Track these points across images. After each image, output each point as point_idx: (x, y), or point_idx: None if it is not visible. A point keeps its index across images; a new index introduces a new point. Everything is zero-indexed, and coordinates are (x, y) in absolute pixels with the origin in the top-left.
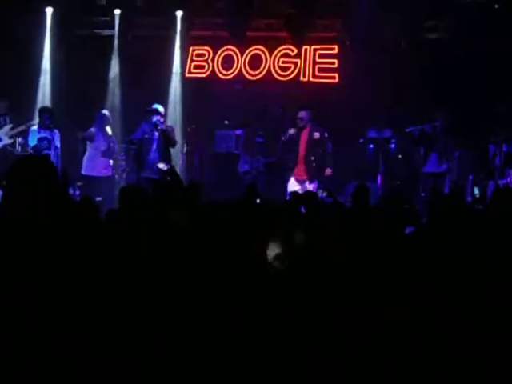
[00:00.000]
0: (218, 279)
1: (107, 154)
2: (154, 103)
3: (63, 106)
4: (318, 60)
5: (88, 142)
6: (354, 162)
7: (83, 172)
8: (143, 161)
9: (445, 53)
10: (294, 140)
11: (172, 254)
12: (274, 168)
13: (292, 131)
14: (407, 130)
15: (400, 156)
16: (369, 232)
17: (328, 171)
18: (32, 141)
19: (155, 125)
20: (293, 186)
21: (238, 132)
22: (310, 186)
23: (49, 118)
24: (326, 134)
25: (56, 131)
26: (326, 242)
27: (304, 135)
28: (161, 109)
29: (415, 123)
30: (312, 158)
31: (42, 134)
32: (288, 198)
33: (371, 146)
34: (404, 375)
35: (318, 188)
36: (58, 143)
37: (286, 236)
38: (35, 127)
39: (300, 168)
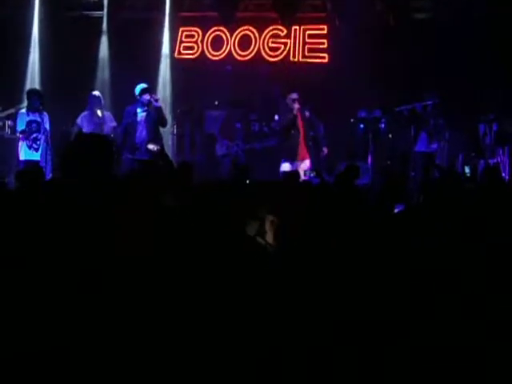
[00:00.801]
0: (210, 261)
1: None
2: (136, 86)
3: (52, 88)
4: (307, 40)
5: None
6: (344, 141)
7: None
8: (132, 144)
9: (434, 32)
10: (295, 122)
11: (166, 236)
12: (255, 154)
13: (277, 117)
14: (397, 109)
15: (390, 136)
16: (355, 212)
17: (325, 150)
18: (21, 125)
19: (149, 103)
20: (289, 167)
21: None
22: (305, 164)
23: (38, 100)
24: (310, 115)
25: (45, 113)
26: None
27: (299, 116)
28: (145, 85)
29: (405, 103)
30: (309, 136)
31: (31, 117)
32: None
33: (361, 125)
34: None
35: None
36: (47, 126)
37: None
38: (24, 110)
39: (303, 149)
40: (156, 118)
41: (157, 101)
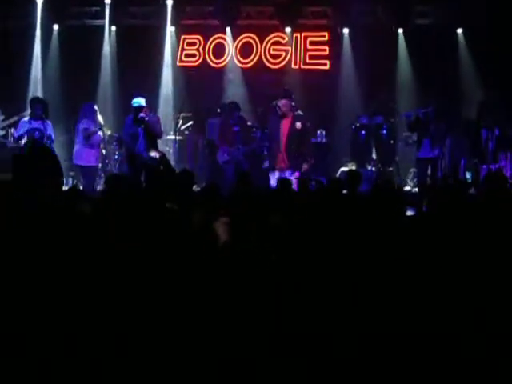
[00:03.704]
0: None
1: (97, 143)
2: (139, 96)
3: (55, 96)
4: (309, 47)
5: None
6: (346, 148)
7: (74, 162)
8: (134, 153)
9: (436, 38)
10: (275, 128)
11: (165, 242)
12: (253, 156)
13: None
14: (401, 115)
15: (392, 142)
16: (360, 218)
17: (305, 167)
18: (20, 132)
19: (141, 121)
20: (274, 176)
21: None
22: (291, 177)
23: (41, 108)
24: (308, 124)
25: (48, 122)
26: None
27: (285, 124)
28: (142, 102)
29: (407, 109)
30: (293, 147)
31: (34, 125)
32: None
33: (363, 132)
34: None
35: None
36: (51, 133)
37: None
38: (26, 118)
39: (280, 157)
40: (152, 130)
41: (143, 118)
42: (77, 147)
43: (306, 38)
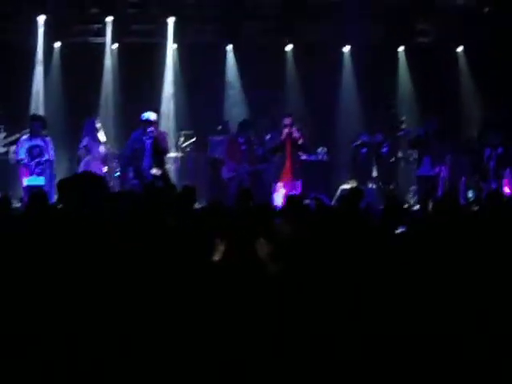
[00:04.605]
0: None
1: (101, 160)
2: (145, 111)
3: (56, 113)
4: None
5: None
6: (347, 165)
7: None
8: (138, 169)
9: (436, 56)
10: (281, 145)
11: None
12: (259, 175)
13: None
14: (399, 133)
15: (393, 160)
16: (360, 234)
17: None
18: (21, 153)
19: (150, 136)
20: (280, 190)
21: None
22: (296, 187)
23: (40, 125)
24: (304, 140)
25: (48, 138)
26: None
27: (289, 141)
28: (153, 117)
29: (408, 127)
30: (296, 163)
31: (34, 142)
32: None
33: (364, 149)
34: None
35: (304, 189)
36: (51, 151)
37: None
38: (25, 136)
39: (287, 173)
40: (158, 146)
41: (152, 132)
42: (81, 163)
43: None
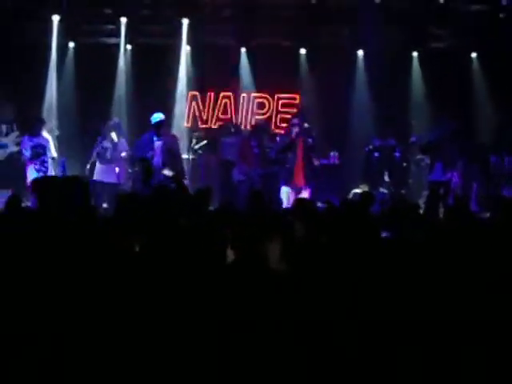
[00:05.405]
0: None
1: (113, 160)
2: (155, 112)
3: (69, 114)
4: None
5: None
6: (359, 169)
7: (95, 177)
8: (148, 170)
9: (450, 62)
10: (291, 144)
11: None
12: (271, 178)
13: (278, 138)
14: (412, 139)
15: (405, 164)
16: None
17: (316, 161)
18: (26, 151)
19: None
20: (287, 194)
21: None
22: (305, 193)
23: (41, 126)
24: (313, 140)
25: (48, 137)
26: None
27: (300, 141)
28: (163, 117)
29: (420, 132)
30: (308, 163)
31: (36, 141)
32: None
33: (376, 154)
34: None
35: (315, 193)
36: (52, 149)
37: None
38: (26, 136)
39: (299, 174)
40: (170, 147)
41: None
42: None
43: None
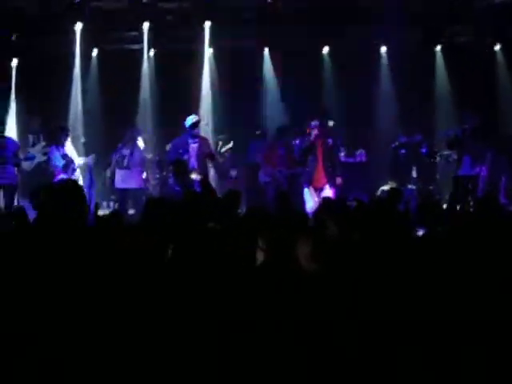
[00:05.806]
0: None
1: (139, 166)
2: (186, 117)
3: (95, 120)
4: None
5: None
6: (386, 166)
7: (116, 185)
8: (182, 175)
9: (474, 55)
10: (311, 146)
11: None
12: (296, 179)
13: (298, 141)
14: (440, 133)
15: (432, 160)
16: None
17: (338, 180)
18: (58, 161)
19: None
20: (311, 195)
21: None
22: (329, 192)
23: (66, 135)
24: (338, 142)
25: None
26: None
27: (319, 142)
28: (197, 117)
29: (446, 127)
30: (329, 163)
31: (62, 151)
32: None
33: (403, 150)
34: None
35: (343, 191)
36: (75, 156)
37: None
38: (53, 146)
39: (320, 175)
40: (205, 151)
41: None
42: (117, 170)
43: None
